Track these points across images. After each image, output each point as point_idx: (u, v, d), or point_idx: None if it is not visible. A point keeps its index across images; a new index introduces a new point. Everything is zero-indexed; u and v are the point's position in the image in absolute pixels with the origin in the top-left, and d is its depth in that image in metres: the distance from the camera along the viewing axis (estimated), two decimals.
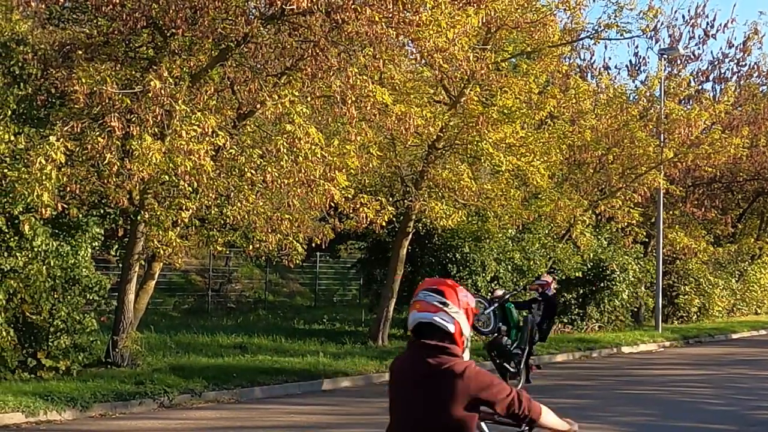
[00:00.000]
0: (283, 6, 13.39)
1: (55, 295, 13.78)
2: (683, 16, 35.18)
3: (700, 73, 33.63)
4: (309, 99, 14.73)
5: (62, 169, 12.65)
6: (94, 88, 12.88)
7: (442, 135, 19.34)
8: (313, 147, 14.00)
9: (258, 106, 14.41)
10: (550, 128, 22.47)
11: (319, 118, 15.96)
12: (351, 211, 16.33)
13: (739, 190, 34.00)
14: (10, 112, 13.30)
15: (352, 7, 13.17)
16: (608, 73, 31.05)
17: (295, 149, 14.01)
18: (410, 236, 20.97)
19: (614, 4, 20.45)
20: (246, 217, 15.34)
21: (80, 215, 14.09)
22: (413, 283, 21.87)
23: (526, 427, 4.33)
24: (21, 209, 12.98)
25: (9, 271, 13.22)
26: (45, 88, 14.19)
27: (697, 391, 17.23)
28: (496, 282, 22.52)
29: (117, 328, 15.21)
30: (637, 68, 33.35)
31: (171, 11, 13.38)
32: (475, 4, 14.53)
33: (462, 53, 15.40)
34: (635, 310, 29.71)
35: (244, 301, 28.88)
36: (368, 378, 16.91)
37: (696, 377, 19.16)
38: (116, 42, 14.31)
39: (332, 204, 15.37)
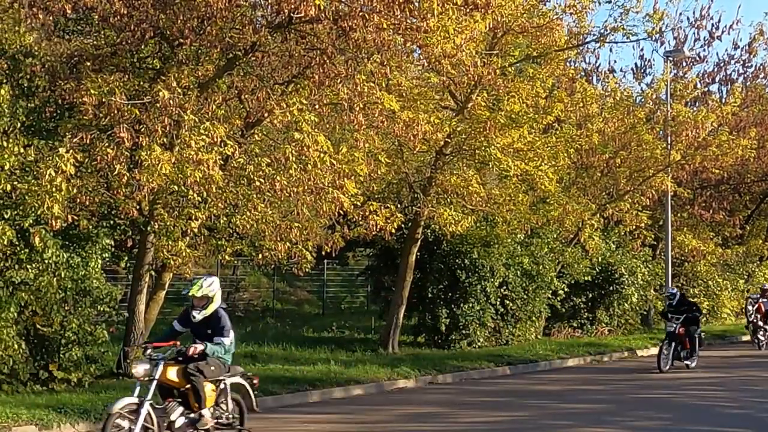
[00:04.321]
0: (291, 14, 13.38)
1: (66, 307, 13.76)
2: (688, 18, 35.12)
3: (706, 75, 33.51)
4: (316, 107, 14.70)
5: (72, 181, 12.63)
6: (103, 99, 12.91)
7: (449, 141, 19.32)
8: (322, 155, 13.97)
9: (266, 114, 14.40)
10: (557, 132, 22.42)
11: (327, 126, 15.93)
12: (360, 218, 16.29)
13: (746, 192, 33.88)
14: (19, 125, 13.27)
15: (360, 14, 13.14)
16: (614, 76, 30.93)
17: (303, 157, 13.98)
18: (419, 242, 20.93)
19: (620, 7, 20.44)
20: (255, 225, 15.32)
21: (90, 227, 14.04)
22: (422, 289, 21.83)
23: None
24: (31, 221, 12.97)
25: (20, 284, 13.19)
26: (53, 99, 14.18)
27: (711, 394, 17.16)
28: (505, 287, 22.45)
29: (128, 338, 15.17)
30: (642, 71, 33.25)
31: (178, 21, 13.36)
32: (482, 10, 14.47)
33: (469, 59, 15.38)
34: (644, 313, 29.59)
35: (252, 310, 28.79)
36: (380, 386, 16.85)
37: (708, 380, 19.06)
38: (124, 53, 14.28)
39: (341, 212, 15.34)
